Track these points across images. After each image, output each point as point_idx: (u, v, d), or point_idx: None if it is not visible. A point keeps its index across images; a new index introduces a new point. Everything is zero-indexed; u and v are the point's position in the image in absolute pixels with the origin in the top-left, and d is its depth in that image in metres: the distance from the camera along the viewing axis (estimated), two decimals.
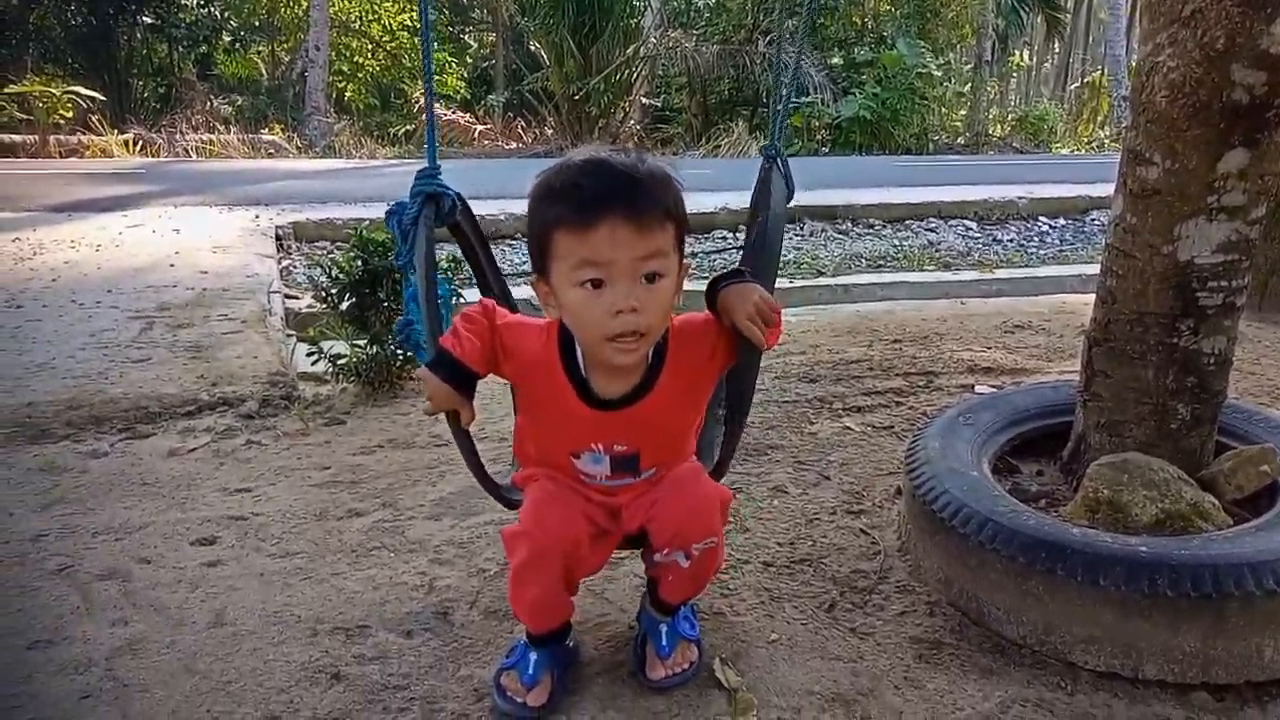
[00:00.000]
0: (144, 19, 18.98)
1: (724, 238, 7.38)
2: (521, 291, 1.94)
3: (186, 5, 20.60)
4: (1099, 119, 21.20)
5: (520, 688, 1.54)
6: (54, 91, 13.45)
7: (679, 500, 1.49)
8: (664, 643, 1.61)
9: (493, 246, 7.47)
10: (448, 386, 1.41)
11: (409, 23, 21.52)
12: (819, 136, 16.01)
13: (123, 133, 13.48)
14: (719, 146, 15.22)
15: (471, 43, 23.11)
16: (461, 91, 20.63)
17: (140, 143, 13.30)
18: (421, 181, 1.57)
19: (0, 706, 1.57)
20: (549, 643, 1.59)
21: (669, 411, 1.49)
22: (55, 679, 1.64)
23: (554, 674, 1.58)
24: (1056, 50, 29.96)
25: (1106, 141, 18.17)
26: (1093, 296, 2.14)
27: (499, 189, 7.22)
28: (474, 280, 1.89)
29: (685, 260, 1.43)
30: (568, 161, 1.39)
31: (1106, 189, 2.16)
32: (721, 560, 1.63)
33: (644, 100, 16.71)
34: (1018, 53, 26.54)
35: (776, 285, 1.65)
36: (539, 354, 1.46)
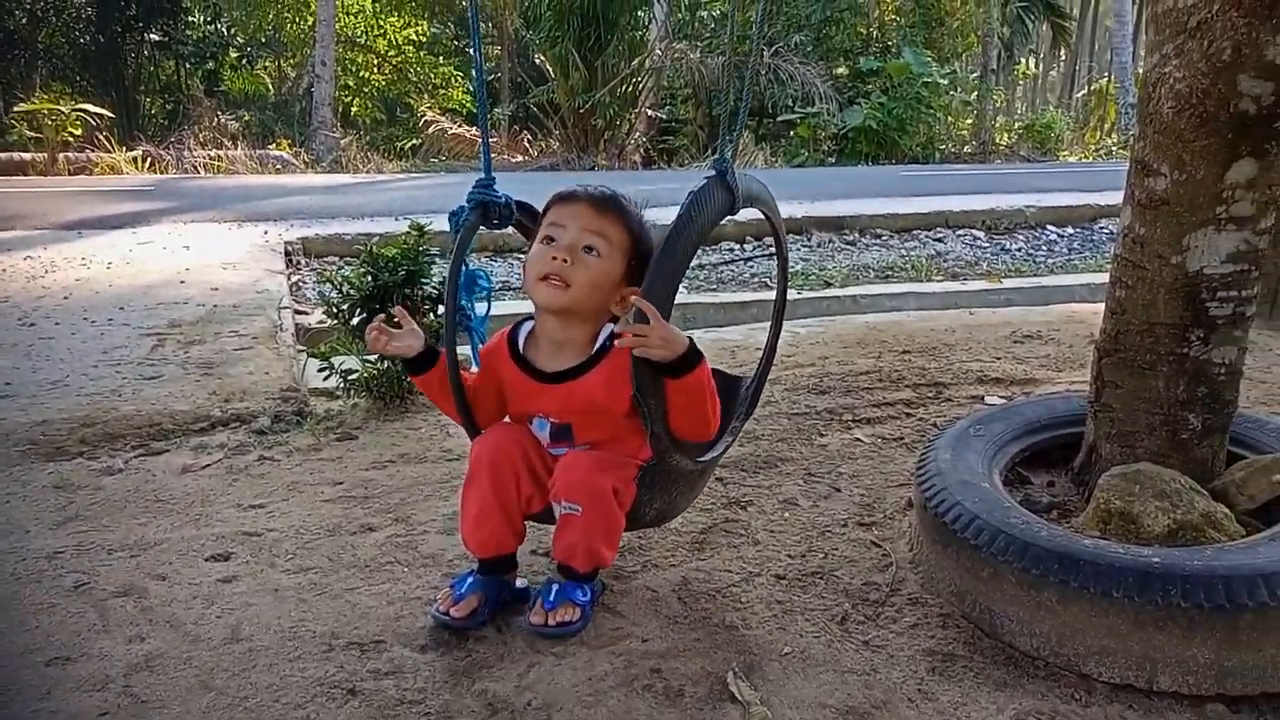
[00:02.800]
0: (151, 36, 19.16)
1: (731, 249, 7.39)
2: None
3: (193, 22, 20.77)
4: (1106, 126, 21.14)
5: (450, 602, 1.80)
6: (63, 109, 13.51)
7: (565, 465, 1.79)
8: (551, 598, 1.80)
9: (504, 260, 7.46)
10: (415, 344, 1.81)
11: (414, 37, 21.67)
12: (825, 147, 16.01)
13: (131, 150, 13.55)
14: None
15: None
16: (467, 105, 20.74)
17: (149, 159, 13.34)
18: (476, 190, 1.85)
19: None
20: (490, 572, 1.85)
21: (594, 396, 1.78)
22: (74, 695, 1.65)
23: (483, 596, 1.81)
24: (1063, 58, 29.99)
25: (1114, 149, 18.10)
26: (1102, 305, 2.15)
27: None
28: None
29: (634, 289, 1.71)
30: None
31: (1114, 196, 2.17)
32: (596, 547, 1.78)
33: (649, 112, 16.72)
34: (1024, 61, 26.56)
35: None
36: (496, 346, 1.88)
